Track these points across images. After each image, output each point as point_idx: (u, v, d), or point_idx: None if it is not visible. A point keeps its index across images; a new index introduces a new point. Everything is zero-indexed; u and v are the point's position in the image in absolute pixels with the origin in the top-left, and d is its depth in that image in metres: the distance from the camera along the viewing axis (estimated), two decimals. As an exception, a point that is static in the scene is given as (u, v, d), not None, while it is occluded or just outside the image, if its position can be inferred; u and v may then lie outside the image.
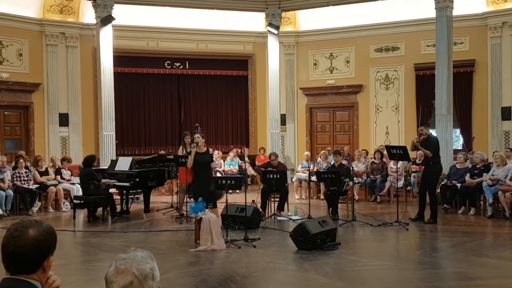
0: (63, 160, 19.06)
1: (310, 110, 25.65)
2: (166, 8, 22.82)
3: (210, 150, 13.29)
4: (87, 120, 23.09)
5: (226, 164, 22.88)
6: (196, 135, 12.68)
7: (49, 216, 16.71)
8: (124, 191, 16.88)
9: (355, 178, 17.68)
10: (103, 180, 16.09)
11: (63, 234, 13.46)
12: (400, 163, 17.31)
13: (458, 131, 22.72)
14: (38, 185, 17.51)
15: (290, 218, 15.34)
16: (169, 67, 24.81)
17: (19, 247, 2.91)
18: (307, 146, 25.28)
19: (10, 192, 16.66)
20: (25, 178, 17.29)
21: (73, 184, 18.06)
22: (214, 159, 15.49)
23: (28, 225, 2.97)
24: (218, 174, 19.30)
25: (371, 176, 19.42)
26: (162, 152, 21.00)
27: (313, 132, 25.77)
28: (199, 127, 13.39)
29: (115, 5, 20.08)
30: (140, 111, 24.91)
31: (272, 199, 16.22)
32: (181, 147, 16.58)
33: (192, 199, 13.37)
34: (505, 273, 9.68)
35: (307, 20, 25.26)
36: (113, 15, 19.84)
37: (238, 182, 12.61)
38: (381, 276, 9.46)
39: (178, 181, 16.83)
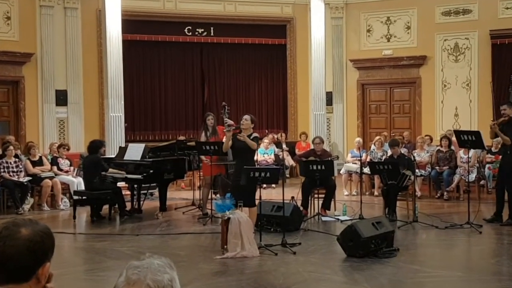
0: (59, 146, 18.97)
1: (362, 87, 25.57)
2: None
3: (255, 135, 13.01)
4: (89, 99, 23.15)
5: (259, 152, 22.70)
6: (245, 117, 12.67)
7: (44, 215, 16.76)
8: (135, 185, 16.86)
9: (417, 170, 17.56)
10: (110, 170, 16.02)
11: (61, 237, 13.48)
12: (472, 151, 17.18)
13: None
14: (31, 178, 17.45)
15: (338, 219, 15.33)
16: (190, 34, 24.79)
17: (9, 248, 2.86)
18: (358, 131, 25.21)
19: (-3, 186, 16.81)
20: (15, 169, 17.29)
21: (76, 175, 18.10)
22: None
23: (21, 223, 2.94)
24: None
25: (437, 167, 19.27)
26: (182, 137, 20.92)
27: (366, 114, 25.69)
28: (226, 107, 13.25)
29: (124, -43, 20.09)
30: (155, 87, 24.99)
31: (316, 196, 16.24)
32: (202, 132, 16.48)
33: (218, 195, 13.37)
34: None
35: (359, -24, 25.15)
36: (121, -30, 19.89)
37: (274, 174, 12.60)
38: (449, 290, 9.44)
39: (201, 173, 16.78)
